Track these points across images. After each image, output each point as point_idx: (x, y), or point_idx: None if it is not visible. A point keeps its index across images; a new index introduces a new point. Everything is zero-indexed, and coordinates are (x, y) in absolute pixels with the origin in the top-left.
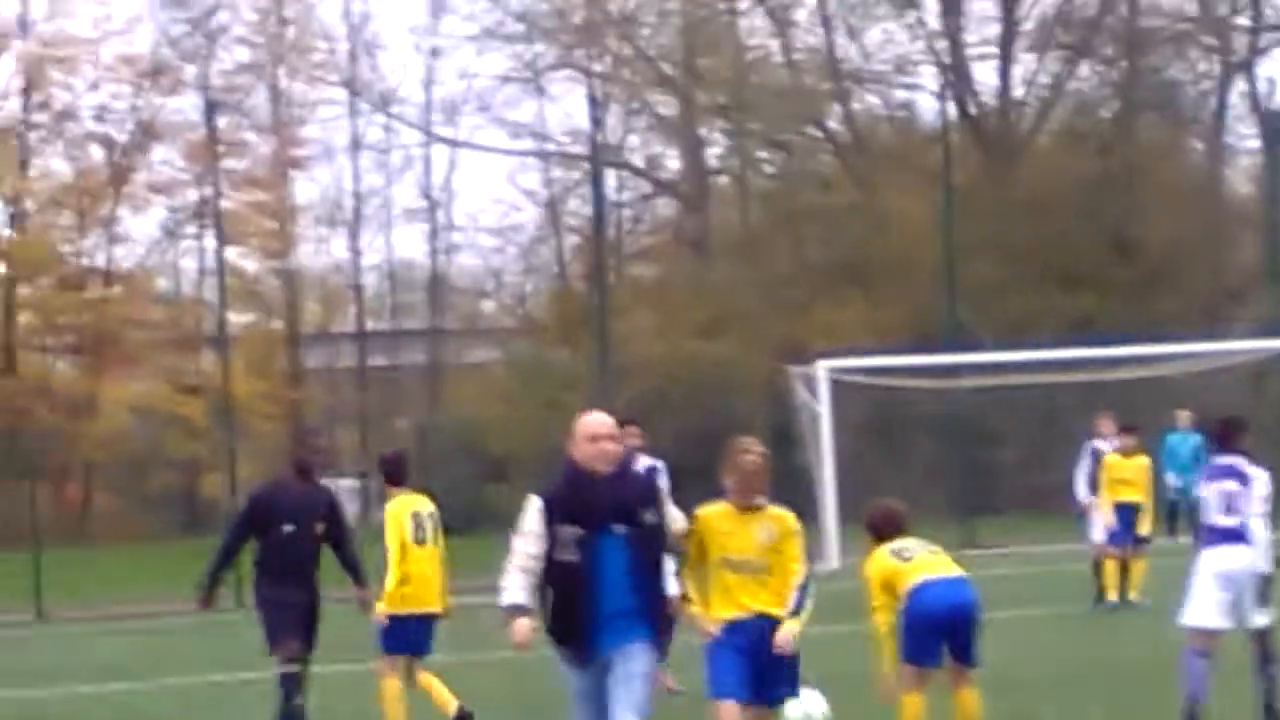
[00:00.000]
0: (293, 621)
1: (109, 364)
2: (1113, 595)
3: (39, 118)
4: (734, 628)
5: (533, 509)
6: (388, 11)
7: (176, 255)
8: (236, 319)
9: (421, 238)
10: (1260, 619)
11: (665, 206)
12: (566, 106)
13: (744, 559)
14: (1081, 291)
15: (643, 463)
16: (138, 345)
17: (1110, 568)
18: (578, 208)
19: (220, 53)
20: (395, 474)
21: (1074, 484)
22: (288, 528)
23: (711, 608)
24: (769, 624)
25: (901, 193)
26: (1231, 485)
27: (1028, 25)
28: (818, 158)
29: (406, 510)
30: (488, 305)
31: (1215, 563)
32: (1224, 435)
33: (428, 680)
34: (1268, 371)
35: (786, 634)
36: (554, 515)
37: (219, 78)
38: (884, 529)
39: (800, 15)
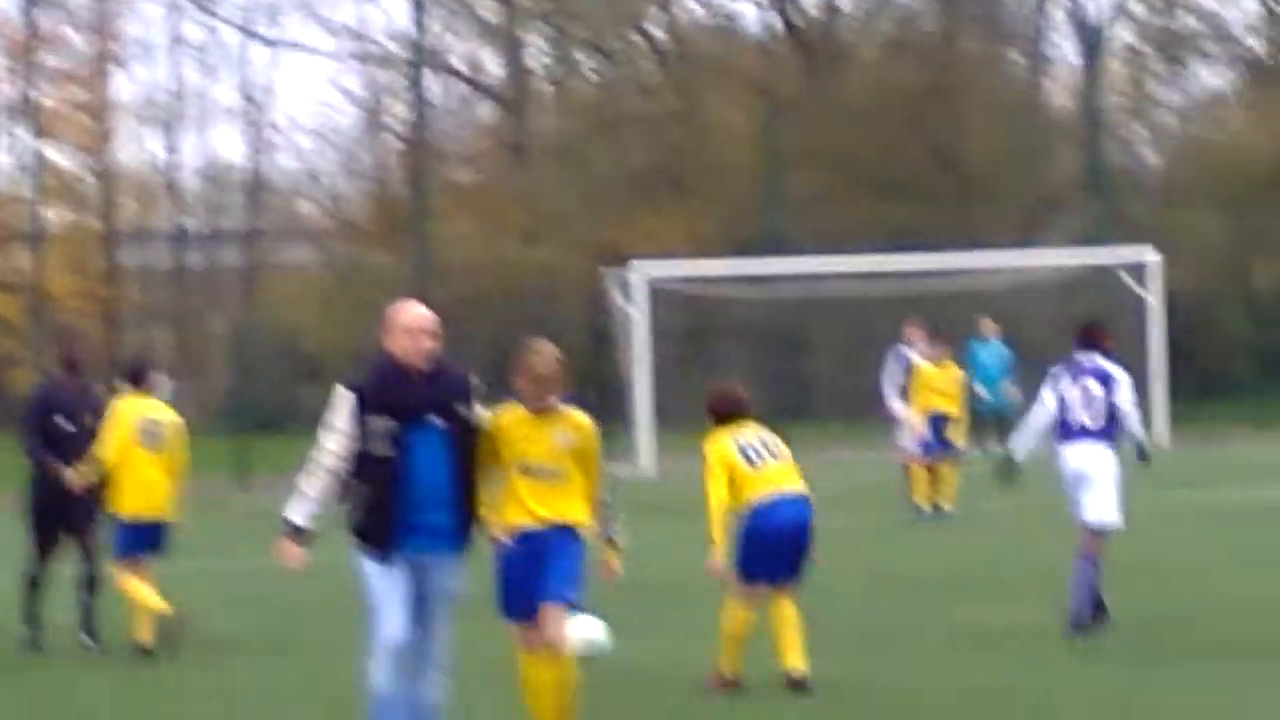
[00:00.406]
0: (60, 516)
1: None
2: (923, 503)
3: None
4: (525, 537)
5: (341, 402)
6: None
7: None
8: (52, 216)
9: (240, 138)
10: (1105, 517)
11: (486, 111)
12: (388, 7)
13: (539, 464)
14: (901, 202)
15: None
16: None
17: (922, 477)
18: (398, 111)
19: None
20: (137, 376)
21: (883, 391)
22: (66, 425)
23: (503, 515)
24: (560, 530)
25: (723, 101)
26: (1093, 385)
27: None
28: (639, 64)
29: (136, 413)
30: (306, 207)
31: (1075, 459)
32: (1086, 337)
33: (141, 583)
34: (1080, 283)
35: (613, 566)
36: (365, 407)
37: None
38: (723, 411)
39: None
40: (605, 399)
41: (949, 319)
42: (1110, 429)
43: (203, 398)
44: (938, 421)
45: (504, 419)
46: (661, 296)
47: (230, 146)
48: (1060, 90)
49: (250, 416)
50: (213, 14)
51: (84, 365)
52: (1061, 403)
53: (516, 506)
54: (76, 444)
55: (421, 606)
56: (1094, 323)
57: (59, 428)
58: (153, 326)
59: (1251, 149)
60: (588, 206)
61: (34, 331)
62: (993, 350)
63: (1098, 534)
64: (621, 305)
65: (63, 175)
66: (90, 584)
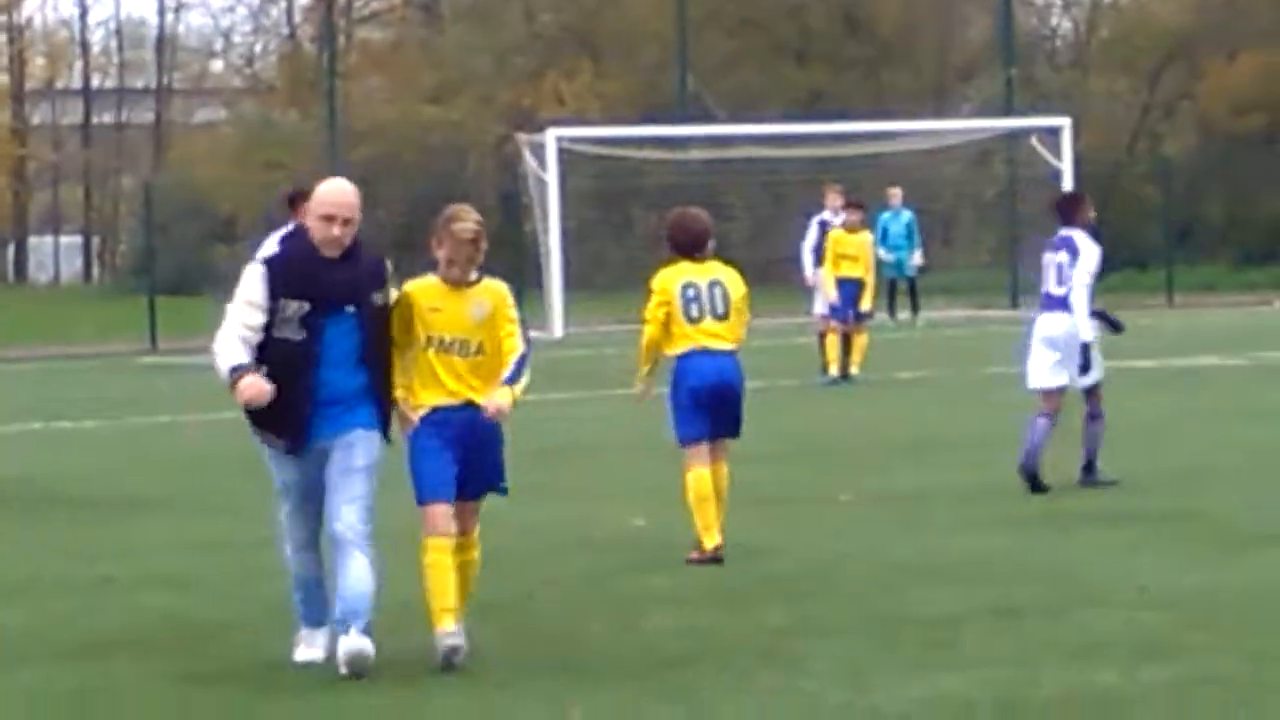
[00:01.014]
0: None
1: None
2: (834, 369)
3: None
4: (440, 416)
5: (255, 276)
6: None
7: None
8: None
9: None
10: (1086, 379)
11: None
12: None
13: (455, 338)
14: (813, 66)
15: None
16: None
17: (832, 342)
18: None
19: None
20: None
21: (800, 257)
22: None
23: (416, 394)
24: (479, 413)
25: None
26: (1063, 257)
27: None
28: None
29: None
30: (216, 65)
31: (1046, 328)
32: (1064, 209)
33: None
34: (991, 151)
35: (499, 400)
36: (278, 287)
37: None
38: (680, 241)
39: None
40: (515, 263)
41: (860, 186)
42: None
43: (112, 258)
44: (848, 287)
45: (416, 291)
46: (572, 159)
47: (140, 4)
48: None
49: (160, 277)
50: None
51: None
52: (1041, 273)
53: (430, 384)
54: None
55: (334, 492)
56: (1070, 195)
57: None
58: (62, 184)
59: (1164, 15)
60: (499, 68)
61: None
62: (900, 218)
63: (1051, 395)
64: (534, 169)
65: None
66: None
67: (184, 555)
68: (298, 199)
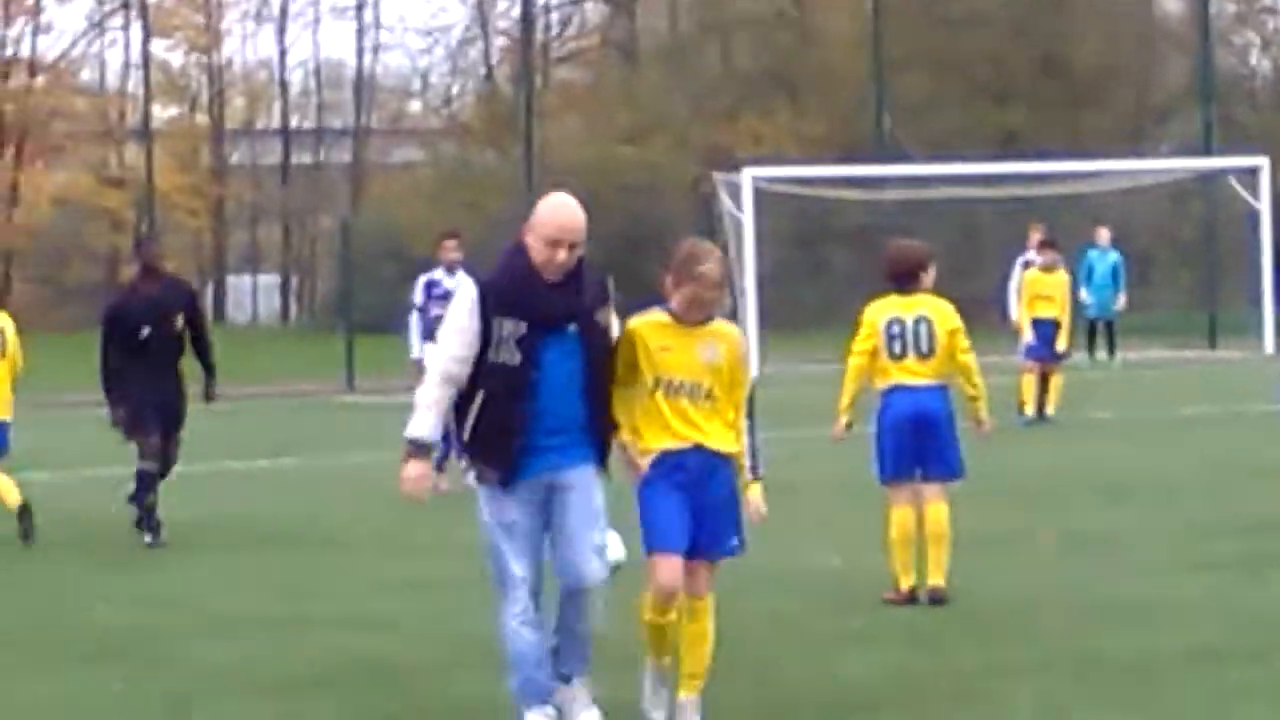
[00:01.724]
0: (153, 420)
1: (32, 155)
2: (1030, 409)
3: None
4: (668, 461)
5: (465, 298)
6: None
7: (102, 47)
8: (161, 113)
9: (349, 35)
10: None
11: (595, 10)
12: None
13: (683, 381)
14: (1009, 108)
15: (460, 279)
16: (61, 136)
17: (1029, 382)
18: (506, 9)
19: None
20: None
21: (1008, 298)
22: (145, 331)
23: (642, 438)
24: (710, 458)
25: (832, 4)
26: None
27: None
28: None
29: None
30: (414, 105)
31: None
32: None
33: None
34: (1189, 191)
35: (756, 502)
36: (492, 307)
37: None
38: (893, 273)
39: None
40: None
41: (1057, 226)
42: None
43: (310, 297)
44: (1044, 327)
45: (645, 328)
46: (768, 200)
47: (339, 44)
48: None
49: (357, 316)
50: None
51: (160, 267)
52: None
53: (657, 427)
54: (155, 349)
55: (569, 536)
56: None
57: (137, 335)
58: (260, 223)
59: None
60: (694, 107)
61: (143, 228)
62: (1107, 259)
63: None
64: (730, 208)
65: (171, 71)
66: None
67: (383, 595)
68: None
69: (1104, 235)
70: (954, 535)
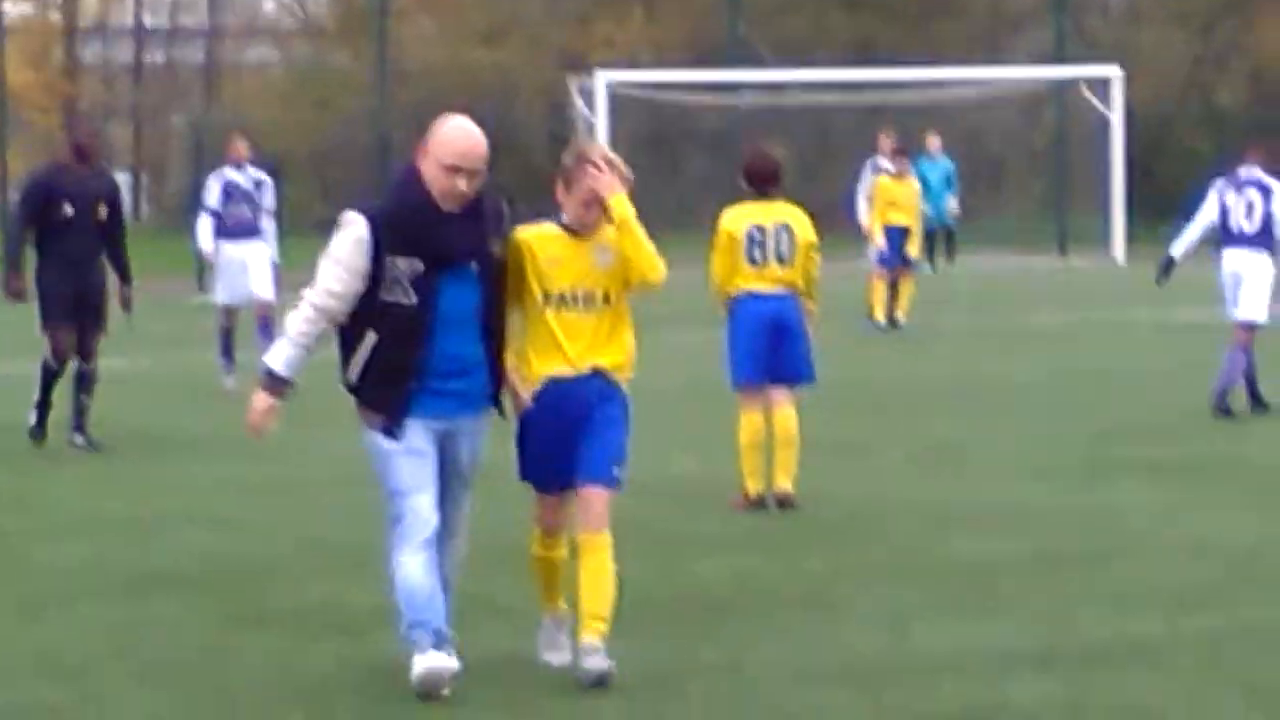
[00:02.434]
0: (67, 311)
1: None
2: (880, 316)
3: None
4: (556, 389)
5: (352, 234)
6: None
7: None
8: (12, 9)
9: None
10: (1257, 315)
11: None
12: None
13: (576, 292)
14: (864, 14)
15: (251, 174)
16: None
17: (879, 289)
18: None
19: None
20: None
21: (855, 203)
22: (68, 211)
23: (529, 363)
24: (604, 385)
25: None
26: (1254, 194)
27: None
28: None
29: None
30: (268, 5)
31: (1232, 262)
32: (1245, 149)
33: None
34: (1042, 100)
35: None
36: (384, 243)
37: None
38: (753, 178)
39: None
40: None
41: (910, 132)
42: (1265, 236)
43: (162, 196)
44: (895, 234)
45: (533, 241)
46: (623, 103)
47: None
48: None
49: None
50: None
51: (94, 151)
52: (1223, 210)
53: (546, 350)
54: (76, 232)
55: (440, 478)
56: (1260, 140)
57: (60, 213)
58: (112, 121)
59: None
60: (550, 10)
61: None
62: (938, 166)
63: (1249, 329)
64: (584, 112)
65: None
66: (84, 381)
67: (238, 497)
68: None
69: (934, 143)
70: (804, 442)
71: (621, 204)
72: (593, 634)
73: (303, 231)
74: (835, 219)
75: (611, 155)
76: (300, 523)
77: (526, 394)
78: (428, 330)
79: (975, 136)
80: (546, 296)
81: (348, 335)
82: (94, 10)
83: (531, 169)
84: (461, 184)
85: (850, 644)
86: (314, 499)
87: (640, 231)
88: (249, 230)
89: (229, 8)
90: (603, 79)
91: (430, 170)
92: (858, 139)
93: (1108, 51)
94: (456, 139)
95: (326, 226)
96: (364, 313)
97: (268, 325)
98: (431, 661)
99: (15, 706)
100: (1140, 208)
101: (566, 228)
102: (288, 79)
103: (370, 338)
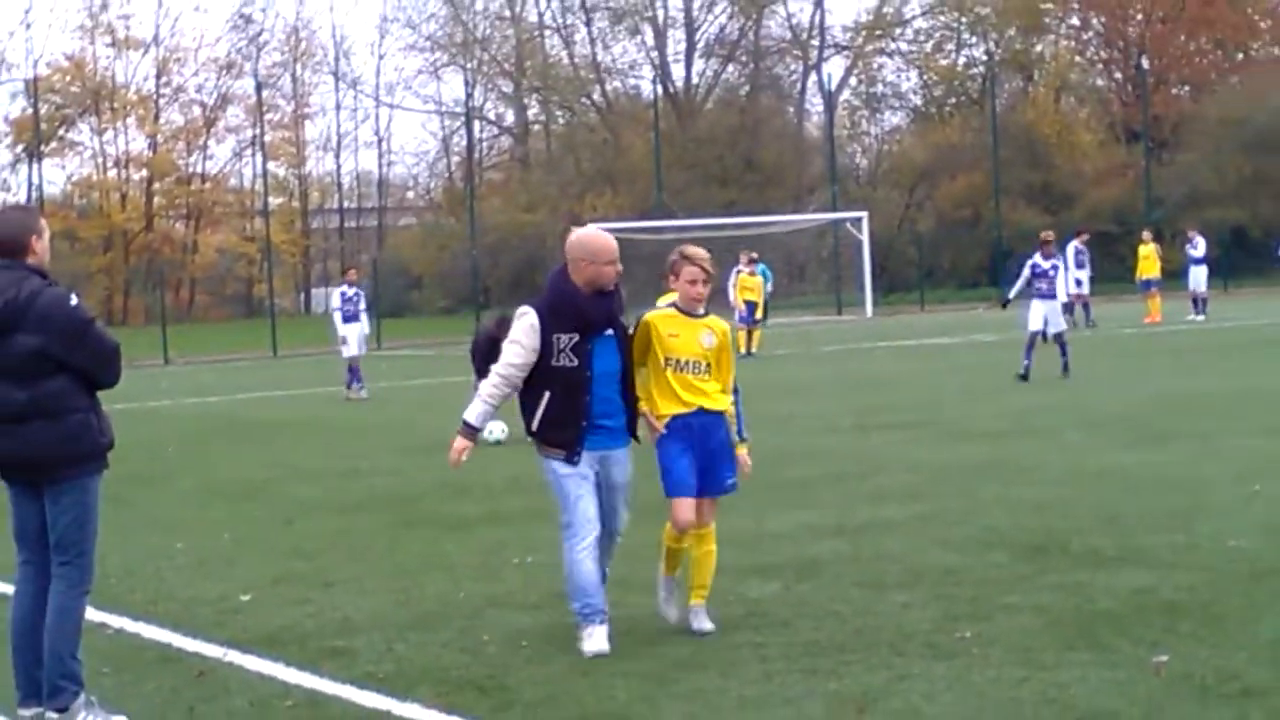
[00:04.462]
0: None
1: (203, 225)
2: (743, 349)
3: (165, 90)
4: (678, 422)
5: (527, 321)
6: None
7: (240, 166)
8: (273, 201)
9: (374, 158)
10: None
11: (506, 140)
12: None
13: (688, 360)
14: (729, 187)
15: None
16: (219, 214)
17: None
18: (459, 141)
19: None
20: None
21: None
22: None
23: (657, 406)
24: (710, 416)
25: (633, 136)
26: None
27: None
28: (589, 123)
29: None
30: (411, 194)
31: (1039, 306)
32: (1042, 246)
33: None
34: (825, 231)
35: (744, 458)
36: (548, 324)
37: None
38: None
39: None
40: None
41: (758, 250)
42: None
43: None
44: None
45: (655, 319)
46: None
47: (368, 161)
48: (813, 126)
49: (383, 305)
50: (361, 93)
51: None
52: (1031, 276)
53: (669, 397)
54: None
55: (600, 494)
56: (1045, 238)
57: None
58: (330, 259)
59: (915, 155)
60: (561, 191)
61: (262, 263)
62: (763, 269)
63: (1043, 337)
64: None
65: (279, 178)
66: None
67: (395, 456)
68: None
69: (746, 256)
70: None
71: (726, 336)
72: (698, 598)
73: (432, 313)
74: (716, 300)
75: (704, 254)
76: (436, 472)
77: (660, 425)
78: (588, 384)
79: (790, 252)
80: (667, 361)
81: (527, 396)
82: (315, 201)
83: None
84: (611, 271)
85: (729, 528)
86: (442, 466)
87: (733, 353)
88: (352, 318)
89: (388, 195)
90: (590, 227)
91: (582, 267)
92: (728, 255)
93: (860, 203)
94: (605, 240)
95: (445, 311)
96: (539, 376)
97: (356, 369)
98: (598, 639)
99: (278, 574)
100: (878, 287)
101: (679, 309)
102: (422, 234)
103: (546, 395)
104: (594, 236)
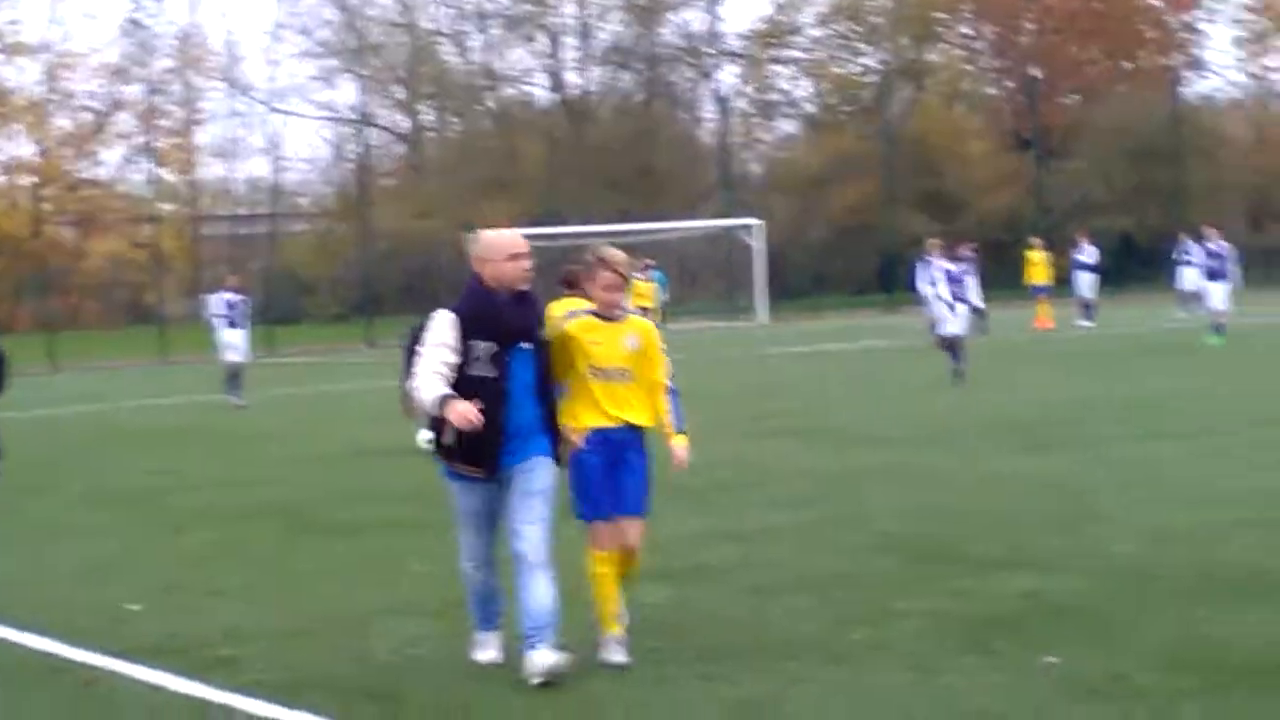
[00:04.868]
0: None
1: (92, 232)
2: None
3: (54, 95)
4: (598, 437)
5: (444, 321)
6: None
7: (130, 172)
8: (162, 206)
9: (265, 164)
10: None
11: (399, 146)
12: (347, 91)
13: (612, 368)
14: (620, 194)
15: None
16: (109, 221)
17: None
18: (353, 149)
19: None
20: None
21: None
22: None
23: (577, 417)
24: (635, 436)
25: (527, 142)
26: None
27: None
28: (486, 124)
29: None
30: (304, 200)
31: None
32: (952, 254)
33: None
34: (720, 237)
35: (681, 451)
36: (466, 330)
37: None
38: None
39: None
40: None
41: (653, 256)
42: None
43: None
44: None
45: (577, 330)
46: None
47: (261, 170)
48: (707, 133)
49: (275, 313)
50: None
51: None
52: (951, 283)
53: (590, 407)
54: None
55: (513, 510)
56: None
57: None
58: (221, 266)
59: (808, 162)
60: (455, 198)
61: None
62: (658, 276)
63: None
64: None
65: (169, 184)
66: None
67: (283, 467)
68: None
69: (647, 263)
70: None
71: (650, 333)
72: (616, 628)
73: (324, 320)
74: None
75: (621, 256)
76: (328, 479)
77: (578, 439)
78: (507, 397)
79: (684, 259)
80: (590, 369)
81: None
82: (208, 205)
83: (445, 286)
84: (517, 267)
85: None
86: (334, 472)
87: (659, 347)
88: (235, 324)
89: (281, 202)
90: (484, 234)
91: (496, 268)
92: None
93: (754, 210)
94: (506, 236)
95: (337, 318)
96: (455, 387)
97: (238, 378)
98: (491, 647)
99: (167, 582)
100: (772, 294)
101: (599, 315)
102: (314, 239)
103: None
104: (497, 233)
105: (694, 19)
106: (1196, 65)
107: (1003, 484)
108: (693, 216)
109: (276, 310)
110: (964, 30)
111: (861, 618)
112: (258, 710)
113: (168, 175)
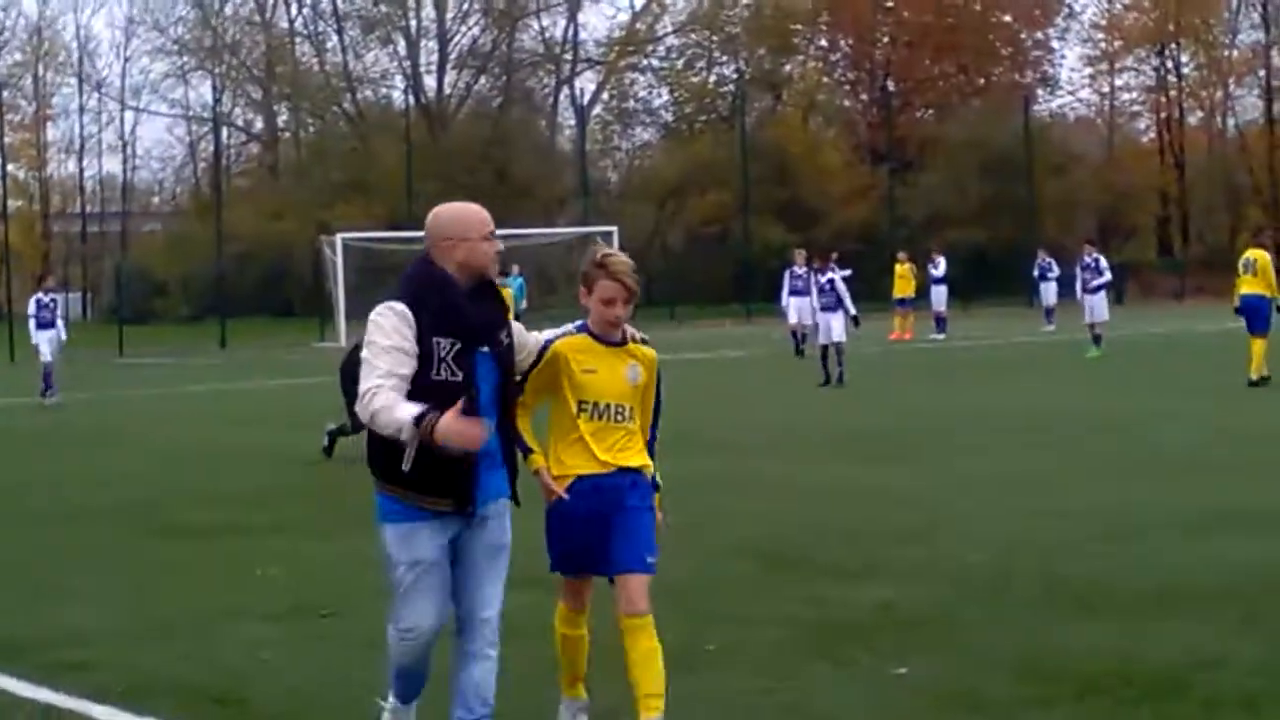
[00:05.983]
0: None
1: None
2: None
3: None
4: (586, 483)
5: (396, 318)
6: None
7: None
8: (13, 204)
9: (119, 162)
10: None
11: (255, 146)
12: (203, 90)
13: (610, 404)
14: (480, 199)
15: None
16: None
17: None
18: (206, 147)
19: None
20: None
21: None
22: None
23: (561, 462)
24: (630, 476)
25: (386, 145)
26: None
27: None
28: (343, 127)
29: None
30: (157, 199)
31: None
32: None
33: None
34: (575, 245)
35: (660, 516)
36: (425, 327)
37: None
38: None
39: None
40: (321, 309)
41: (511, 262)
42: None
43: (99, 303)
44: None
45: (568, 351)
46: (351, 250)
47: (113, 168)
48: (565, 140)
49: (126, 312)
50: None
51: None
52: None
53: (578, 451)
54: None
55: (473, 567)
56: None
57: None
58: (71, 264)
59: (664, 171)
60: (313, 199)
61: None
62: (517, 281)
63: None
64: (329, 256)
65: (19, 181)
66: None
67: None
68: None
69: (515, 269)
70: None
71: (654, 366)
72: (653, 712)
73: (176, 320)
74: None
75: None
76: (175, 481)
77: (559, 488)
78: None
79: (542, 265)
80: (580, 405)
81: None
82: (57, 204)
83: (300, 289)
84: (489, 249)
85: None
86: (181, 474)
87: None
88: (47, 324)
89: (132, 199)
90: (339, 238)
91: (452, 252)
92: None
93: (611, 217)
94: (472, 212)
95: (189, 319)
96: (412, 397)
97: (49, 376)
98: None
99: (11, 585)
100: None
101: (595, 336)
102: (167, 239)
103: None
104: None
105: (552, 25)
106: (1048, 82)
107: (857, 493)
108: (550, 223)
109: (128, 310)
110: (821, 43)
111: (715, 625)
112: (106, 715)
113: (17, 171)
